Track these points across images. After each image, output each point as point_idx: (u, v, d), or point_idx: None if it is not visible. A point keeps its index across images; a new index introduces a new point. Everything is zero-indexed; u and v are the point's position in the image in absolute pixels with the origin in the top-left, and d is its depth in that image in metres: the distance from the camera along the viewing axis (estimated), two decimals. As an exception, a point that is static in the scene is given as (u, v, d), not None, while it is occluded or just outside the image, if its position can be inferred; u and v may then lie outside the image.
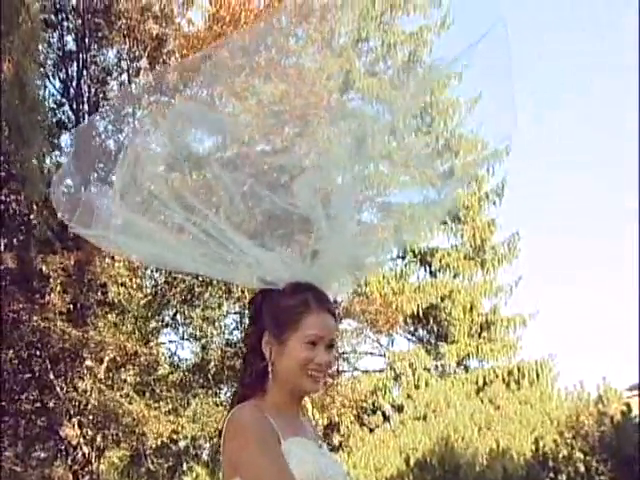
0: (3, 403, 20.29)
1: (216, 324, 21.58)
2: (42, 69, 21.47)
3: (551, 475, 14.25)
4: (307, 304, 2.32)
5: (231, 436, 2.28)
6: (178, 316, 21.78)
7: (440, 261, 26.55)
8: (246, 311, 20.66)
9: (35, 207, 20.44)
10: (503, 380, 24.74)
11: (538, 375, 24.81)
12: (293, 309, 2.32)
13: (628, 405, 13.79)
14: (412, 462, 16.70)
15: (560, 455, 14.29)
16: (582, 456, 13.74)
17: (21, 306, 17.79)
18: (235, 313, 21.62)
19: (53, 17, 20.75)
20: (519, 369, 25.08)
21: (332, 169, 2.55)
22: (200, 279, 18.75)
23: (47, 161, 20.49)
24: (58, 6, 20.50)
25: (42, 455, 24.44)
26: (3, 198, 17.77)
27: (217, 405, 20.67)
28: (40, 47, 21.21)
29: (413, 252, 26.68)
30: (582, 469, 13.64)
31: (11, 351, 19.07)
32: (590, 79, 43.91)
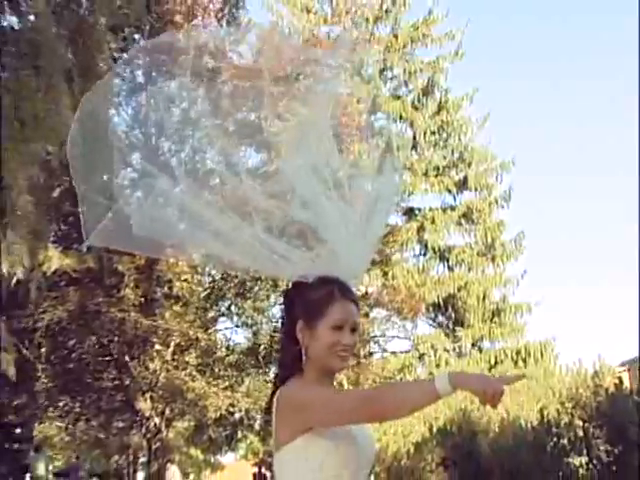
0: (88, 380, 20.51)
1: (265, 313, 21.63)
2: (116, 99, 21.71)
3: (554, 440, 14.13)
4: (332, 294, 2.34)
5: (286, 408, 2.29)
6: (232, 307, 21.85)
7: (456, 257, 26.46)
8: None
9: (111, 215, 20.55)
10: (512, 359, 24.61)
11: (542, 354, 24.65)
12: (321, 299, 2.33)
13: (620, 379, 13.65)
14: (434, 430, 16.64)
15: (562, 422, 14.16)
16: (581, 423, 13.61)
17: (101, 300, 17.96)
18: (281, 304, 21.62)
19: (126, 55, 20.95)
20: (526, 349, 24.93)
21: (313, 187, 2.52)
22: (250, 275, 18.80)
23: (120, 176, 20.65)
24: (130, 46, 20.70)
25: (121, 425, 24.66)
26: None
27: (267, 382, 20.68)
28: (115, 81, 21.42)
29: (433, 249, 26.61)
30: (581, 434, 13.52)
31: (94, 337, 19.25)
32: (597, 86, 43.31)
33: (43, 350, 19.42)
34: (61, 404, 21.70)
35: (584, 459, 13.46)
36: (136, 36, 20.86)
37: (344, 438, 2.25)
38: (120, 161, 2.48)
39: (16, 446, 26.37)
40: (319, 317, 2.32)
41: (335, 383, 2.49)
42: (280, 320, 2.42)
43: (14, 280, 8.87)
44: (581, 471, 13.49)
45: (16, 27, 10.02)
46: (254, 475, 37.67)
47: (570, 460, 13.66)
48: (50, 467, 26.34)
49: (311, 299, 2.34)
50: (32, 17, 9.52)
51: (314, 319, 2.32)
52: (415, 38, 27.36)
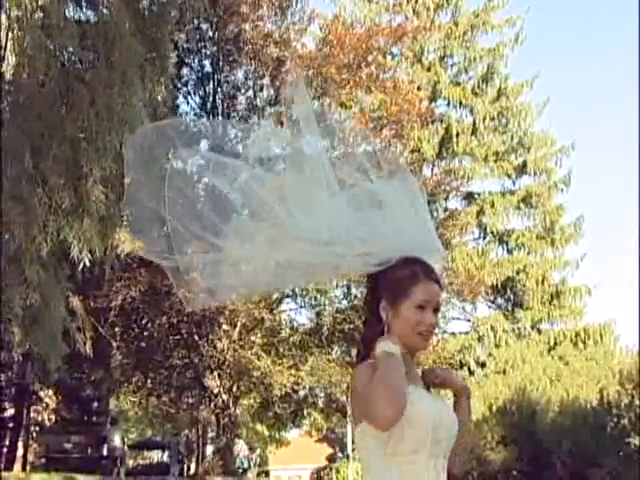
0: (159, 358, 20.88)
1: (327, 295, 21.69)
2: (185, 88, 21.94)
3: (614, 420, 13.93)
4: (416, 275, 2.31)
5: (354, 391, 2.29)
6: (296, 288, 21.97)
7: (516, 240, 26.18)
8: (352, 284, 20.70)
9: (180, 201, 20.86)
10: (571, 340, 24.28)
11: (602, 336, 24.24)
12: (405, 279, 2.31)
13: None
14: (494, 409, 16.54)
15: (622, 403, 13.95)
16: (641, 404, 13.39)
17: (170, 281, 18.19)
18: (343, 286, 21.67)
19: (194, 45, 21.15)
20: (585, 331, 24.55)
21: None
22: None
23: (188, 163, 20.92)
24: (198, 37, 20.86)
25: (190, 401, 25.11)
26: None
27: (329, 361, 20.79)
28: (184, 70, 21.68)
29: (492, 233, 26.36)
30: (641, 415, 13.31)
31: (164, 317, 19.55)
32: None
33: (117, 329, 19.85)
34: (134, 380, 22.15)
35: (644, 440, 13.22)
36: (204, 27, 21.05)
37: (424, 414, 2.24)
38: (180, 240, 2.49)
39: (94, 419, 27.10)
40: (403, 297, 2.30)
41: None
42: (363, 299, 2.40)
43: (81, 264, 9.06)
44: (641, 452, 13.26)
45: (92, 21, 10.19)
46: (327, 459, 37.99)
47: (630, 440, 13.45)
48: (125, 439, 26.97)
49: (395, 279, 2.32)
50: (106, 11, 9.66)
51: (398, 298, 2.31)
52: (475, 25, 27.01)
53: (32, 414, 29.70)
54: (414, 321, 2.28)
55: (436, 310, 2.34)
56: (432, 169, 25.45)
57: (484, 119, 25.82)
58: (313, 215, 2.36)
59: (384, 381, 2.15)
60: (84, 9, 10.24)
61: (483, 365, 23.07)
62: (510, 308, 26.11)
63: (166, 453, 30.86)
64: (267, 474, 38.30)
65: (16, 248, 8.49)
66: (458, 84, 26.84)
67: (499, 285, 25.36)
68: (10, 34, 8.16)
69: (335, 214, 2.36)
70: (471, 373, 22.87)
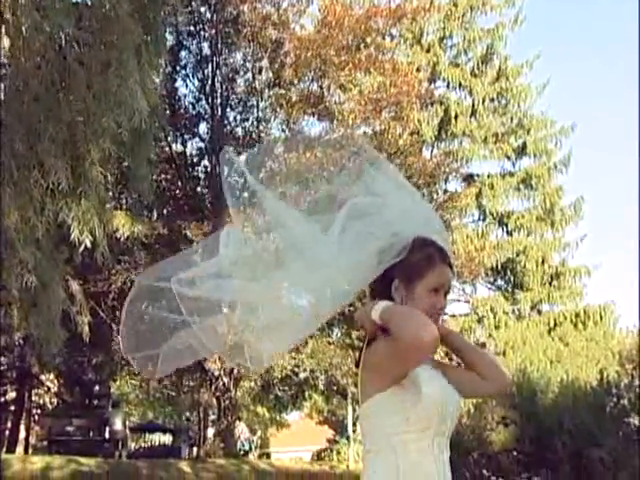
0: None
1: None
2: (183, 71, 21.85)
3: (614, 400, 13.98)
4: (432, 258, 2.32)
5: (372, 366, 2.30)
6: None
7: (515, 222, 26.18)
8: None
9: (180, 184, 20.91)
10: (571, 321, 24.34)
11: (601, 317, 24.30)
12: (421, 262, 2.31)
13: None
14: (494, 390, 16.58)
15: (622, 383, 14.00)
16: (641, 384, 13.44)
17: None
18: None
19: (192, 28, 21.04)
20: (585, 312, 24.60)
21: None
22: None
23: (188, 146, 21.00)
24: (196, 19, 20.76)
25: (191, 384, 25.19)
26: (156, 177, 18.19)
27: (330, 344, 20.82)
28: (183, 54, 21.60)
29: (492, 215, 26.35)
30: (641, 395, 13.36)
31: (164, 301, 19.55)
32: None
33: (117, 312, 19.88)
34: (135, 363, 22.18)
35: (643, 420, 13.28)
36: (202, 9, 20.94)
37: (435, 392, 2.27)
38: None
39: (95, 402, 27.24)
40: (418, 279, 2.31)
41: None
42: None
43: (82, 247, 9.07)
44: (640, 432, 13.32)
45: (88, 2, 10.14)
46: (328, 441, 38.14)
47: (630, 420, 13.52)
48: (127, 422, 27.09)
49: (411, 261, 2.32)
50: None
51: (413, 280, 2.31)
52: (475, 6, 26.86)
53: (34, 397, 29.85)
54: (428, 304, 2.29)
55: (447, 293, 2.36)
56: (431, 151, 25.40)
57: (483, 100, 25.76)
58: (306, 255, 2.37)
59: (411, 310, 2.21)
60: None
61: (483, 346, 23.08)
62: (510, 289, 26.15)
63: (167, 436, 31.04)
64: (268, 456, 38.48)
65: (11, 230, 8.49)
66: (457, 65, 26.74)
67: (499, 266, 25.39)
68: (6, 16, 8.12)
69: (328, 247, 2.36)
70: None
